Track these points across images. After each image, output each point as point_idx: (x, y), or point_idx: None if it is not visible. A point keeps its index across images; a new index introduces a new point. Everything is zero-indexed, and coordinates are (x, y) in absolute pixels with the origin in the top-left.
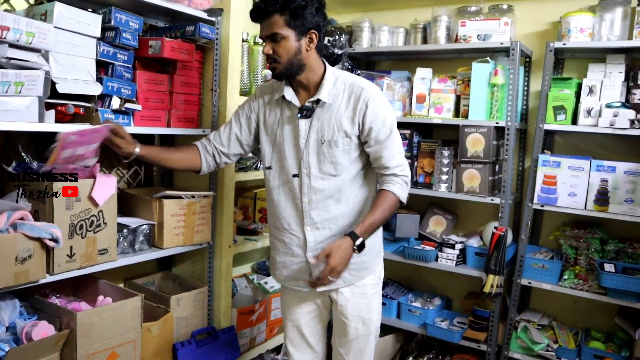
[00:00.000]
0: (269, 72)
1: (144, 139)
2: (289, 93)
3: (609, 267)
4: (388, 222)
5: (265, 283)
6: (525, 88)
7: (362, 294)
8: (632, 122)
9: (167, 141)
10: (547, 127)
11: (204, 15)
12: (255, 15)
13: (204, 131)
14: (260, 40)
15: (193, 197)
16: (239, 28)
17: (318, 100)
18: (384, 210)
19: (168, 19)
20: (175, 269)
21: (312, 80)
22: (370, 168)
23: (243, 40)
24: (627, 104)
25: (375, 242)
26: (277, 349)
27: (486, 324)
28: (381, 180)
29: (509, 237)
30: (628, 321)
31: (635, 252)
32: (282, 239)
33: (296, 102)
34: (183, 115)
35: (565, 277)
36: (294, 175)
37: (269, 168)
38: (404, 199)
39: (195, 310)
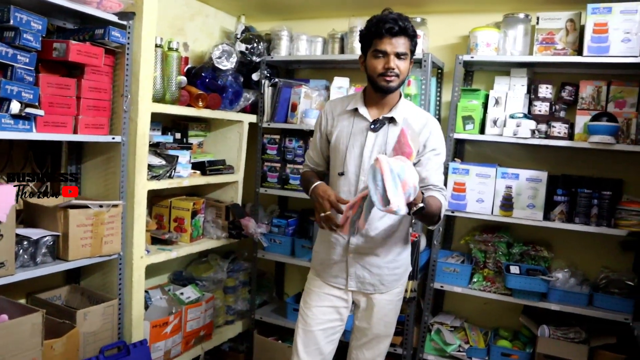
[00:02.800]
0: (183, 79)
1: (50, 145)
2: (362, 107)
3: (514, 269)
4: (307, 229)
5: (181, 294)
6: (438, 98)
7: (389, 301)
8: (532, 131)
9: (76, 148)
10: (457, 136)
11: (115, 19)
12: (396, 30)
13: (113, 138)
14: (175, 46)
15: (101, 206)
16: (152, 33)
17: (390, 119)
18: (437, 205)
19: (77, 21)
20: (84, 282)
21: (393, 100)
22: None
23: (156, 46)
24: (528, 115)
25: (408, 256)
26: None
27: (401, 328)
28: (427, 191)
29: (423, 243)
30: (531, 319)
31: (538, 254)
32: (328, 239)
33: (368, 116)
34: (92, 121)
35: (475, 279)
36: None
37: (339, 173)
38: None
39: (104, 325)
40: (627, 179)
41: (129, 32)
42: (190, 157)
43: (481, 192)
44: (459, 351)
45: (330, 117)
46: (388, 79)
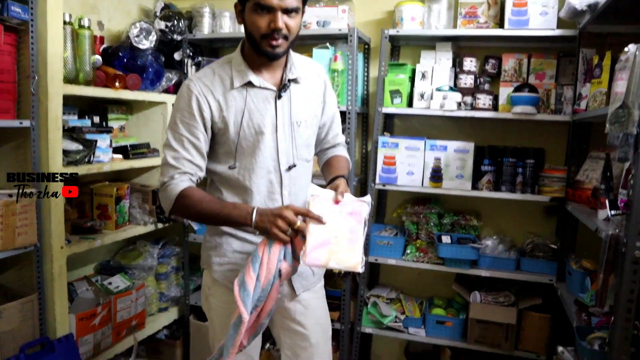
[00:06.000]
0: (98, 59)
1: None
2: (255, 77)
3: (445, 239)
4: None
5: (109, 284)
6: (365, 74)
7: (319, 298)
8: (459, 104)
9: None
10: (385, 110)
11: None
12: None
13: (21, 122)
14: (86, 24)
15: (11, 195)
16: (58, 8)
17: (289, 80)
18: (348, 169)
19: None
20: None
21: (282, 60)
22: None
23: (65, 23)
24: (454, 87)
25: None
26: (128, 352)
27: (338, 303)
28: (331, 149)
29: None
30: (464, 286)
31: (468, 224)
32: (250, 240)
33: (269, 86)
34: None
35: (408, 251)
36: (291, 167)
37: (233, 167)
38: None
39: (23, 322)
40: (548, 148)
41: (31, 8)
42: (111, 141)
43: (411, 165)
44: (396, 322)
45: (212, 99)
46: (274, 42)
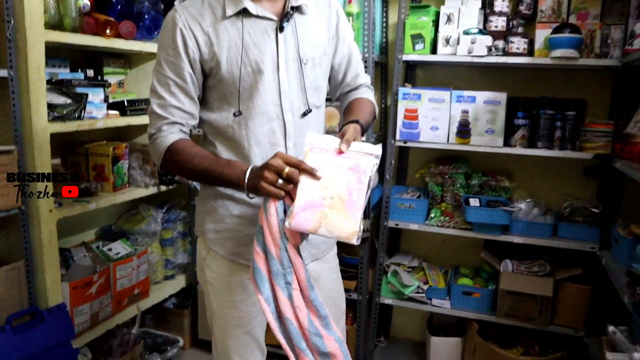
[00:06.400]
0: (86, 3)
1: None
2: (251, 4)
3: (473, 202)
4: None
5: (110, 250)
6: (384, 19)
7: (330, 268)
8: (489, 49)
9: None
10: (405, 57)
11: None
12: None
13: None
14: None
15: None
16: None
17: (293, 8)
18: (371, 115)
19: None
20: None
21: None
22: None
23: None
24: (484, 30)
25: None
26: (133, 322)
27: (355, 272)
28: (353, 92)
29: (374, 179)
30: (493, 254)
31: (498, 185)
32: (250, 203)
33: (269, 15)
34: None
35: (432, 215)
36: (296, 113)
37: (238, 114)
38: None
39: (9, 290)
40: (590, 100)
41: None
42: (107, 96)
43: (435, 119)
44: (418, 292)
45: (200, 32)
46: None
